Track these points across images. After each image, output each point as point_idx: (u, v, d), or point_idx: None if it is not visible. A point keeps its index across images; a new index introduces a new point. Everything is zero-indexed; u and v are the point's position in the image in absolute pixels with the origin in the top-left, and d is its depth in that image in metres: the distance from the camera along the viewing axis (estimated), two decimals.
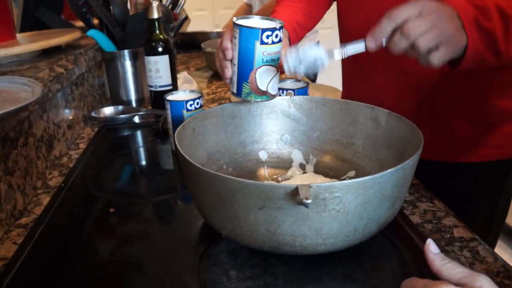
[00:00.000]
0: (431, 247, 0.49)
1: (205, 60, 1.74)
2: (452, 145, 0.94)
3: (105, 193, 0.88)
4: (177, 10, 1.79)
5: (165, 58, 1.16)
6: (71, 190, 0.88)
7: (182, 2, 1.84)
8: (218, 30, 2.27)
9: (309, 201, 0.47)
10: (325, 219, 0.53)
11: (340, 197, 0.51)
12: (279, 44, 0.71)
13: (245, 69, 0.72)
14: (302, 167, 0.83)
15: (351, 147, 0.81)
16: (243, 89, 0.73)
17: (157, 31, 1.16)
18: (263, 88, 0.73)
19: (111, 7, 1.25)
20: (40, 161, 0.91)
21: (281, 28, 0.70)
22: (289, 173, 0.82)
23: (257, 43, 0.69)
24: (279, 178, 0.81)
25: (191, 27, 2.56)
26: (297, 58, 0.67)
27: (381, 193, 0.54)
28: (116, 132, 1.19)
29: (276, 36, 0.69)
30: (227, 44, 0.72)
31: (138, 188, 0.93)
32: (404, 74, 0.91)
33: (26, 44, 1.09)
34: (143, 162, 1.06)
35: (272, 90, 0.75)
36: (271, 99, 0.77)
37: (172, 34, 1.77)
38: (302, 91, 0.94)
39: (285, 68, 0.68)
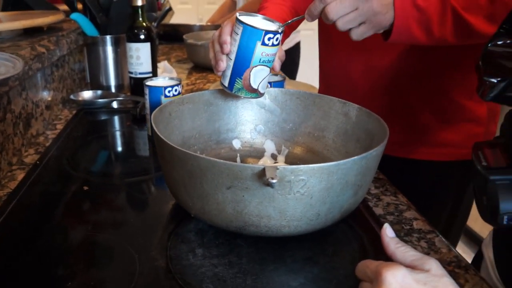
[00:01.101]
0: (387, 231, 0.52)
1: (186, 52, 1.76)
2: (419, 142, 0.98)
3: (79, 172, 0.89)
4: (161, 0, 1.81)
5: (147, 45, 1.18)
6: (46, 168, 0.89)
7: None
8: (201, 23, 2.28)
9: (274, 181, 0.50)
10: (289, 201, 0.55)
11: (304, 180, 0.54)
12: (277, 47, 0.73)
13: (241, 66, 0.73)
14: (274, 157, 0.86)
15: (322, 140, 0.84)
16: (235, 84, 0.75)
17: (140, 19, 1.17)
18: (255, 86, 0.75)
19: None
20: (16, 137, 0.92)
21: (282, 32, 0.72)
22: (261, 162, 0.85)
23: (259, 43, 0.70)
24: None
25: (174, 20, 2.57)
26: None
27: (344, 179, 0.57)
28: (94, 116, 1.20)
29: (277, 39, 0.72)
30: (227, 38, 0.73)
31: (112, 170, 0.94)
32: (375, 68, 0.96)
33: (8, 22, 1.10)
34: (119, 146, 1.08)
35: (262, 89, 0.77)
36: (259, 97, 0.79)
37: (155, 24, 1.78)
38: (278, 85, 0.97)
39: None
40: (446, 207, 1.02)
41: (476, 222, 2.11)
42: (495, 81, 0.53)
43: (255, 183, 0.54)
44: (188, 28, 2.10)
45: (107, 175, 0.91)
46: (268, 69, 0.75)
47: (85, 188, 0.81)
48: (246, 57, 0.72)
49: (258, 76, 0.74)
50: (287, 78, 1.56)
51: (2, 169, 0.85)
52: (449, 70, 0.92)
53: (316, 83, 1.49)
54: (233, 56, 0.73)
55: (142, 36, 1.18)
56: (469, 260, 0.66)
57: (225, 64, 0.75)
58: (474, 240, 2.21)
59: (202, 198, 0.59)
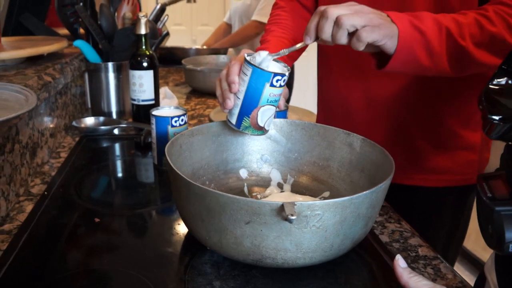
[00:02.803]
0: (400, 262, 0.55)
1: (184, 76, 1.78)
2: (415, 169, 1.01)
3: (88, 203, 0.90)
4: (160, 26, 1.83)
5: (150, 73, 1.20)
6: (54, 199, 0.90)
7: (165, 18, 1.88)
8: (197, 46, 2.32)
9: (294, 217, 0.52)
10: (305, 235, 0.58)
11: (320, 214, 0.56)
12: (283, 88, 0.76)
13: (249, 105, 0.76)
14: (280, 186, 0.88)
15: (327, 169, 0.86)
16: (243, 123, 0.78)
17: (144, 46, 1.20)
18: (261, 124, 0.78)
19: (98, 19, 1.28)
20: (24, 168, 0.93)
21: (289, 75, 0.76)
22: (268, 191, 0.87)
23: (267, 84, 0.73)
24: (258, 196, 0.86)
25: (169, 42, 2.60)
26: None
27: (356, 212, 0.59)
28: (97, 143, 1.22)
29: (284, 81, 0.75)
30: (235, 78, 0.75)
31: (121, 200, 0.95)
32: (373, 97, 0.99)
33: (11, 49, 1.11)
34: (126, 175, 1.09)
35: (268, 127, 0.80)
36: (265, 134, 0.81)
37: (153, 49, 1.81)
38: (282, 114, 1.00)
39: None
40: (443, 228, 1.05)
41: (467, 241, 2.16)
42: (498, 119, 0.56)
43: (273, 218, 0.56)
44: (184, 52, 2.13)
45: (116, 206, 0.92)
46: (274, 108, 0.78)
47: (97, 220, 0.82)
48: (255, 97, 0.75)
49: (265, 115, 0.77)
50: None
51: (10, 201, 0.85)
52: (445, 100, 0.96)
53: (309, 105, 1.53)
54: (241, 96, 0.76)
55: (145, 64, 1.20)
56: (470, 282, 0.68)
57: (233, 103, 0.77)
58: (466, 257, 2.25)
59: (219, 232, 0.61)
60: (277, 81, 0.73)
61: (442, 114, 0.97)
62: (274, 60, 0.78)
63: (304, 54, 1.10)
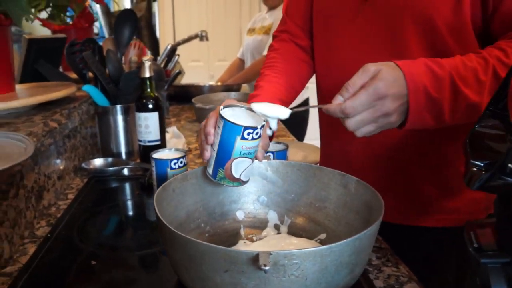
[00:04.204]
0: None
1: (195, 114, 1.81)
2: (422, 210, 0.99)
3: (89, 245, 0.91)
4: (170, 66, 1.88)
5: (155, 115, 1.23)
6: (56, 241, 0.91)
7: (176, 58, 1.94)
8: (211, 83, 2.35)
9: (267, 268, 0.52)
10: (284, 283, 0.57)
11: (298, 263, 0.56)
12: (258, 140, 0.76)
13: (223, 157, 0.77)
14: (276, 227, 0.88)
15: (323, 210, 0.86)
16: (218, 174, 0.78)
17: (148, 89, 1.23)
18: (236, 175, 0.78)
19: (106, 64, 1.33)
20: (29, 211, 0.95)
21: (262, 126, 0.75)
22: (264, 233, 0.87)
23: (238, 137, 0.74)
24: (254, 238, 0.85)
25: (187, 77, 2.66)
26: None
27: (338, 260, 0.58)
28: (105, 183, 1.24)
29: (257, 133, 0.75)
30: (210, 130, 0.78)
31: (121, 242, 0.96)
32: (377, 142, 0.97)
33: (24, 97, 1.15)
34: (128, 216, 1.11)
35: (245, 178, 0.80)
36: (242, 185, 0.82)
37: (166, 87, 1.85)
38: (281, 154, 1.00)
39: None
40: (451, 272, 1.02)
41: None
42: (482, 165, 0.54)
43: (250, 267, 0.56)
44: (198, 89, 2.17)
45: (116, 248, 0.93)
46: (249, 160, 0.78)
47: (93, 262, 0.83)
48: (227, 150, 0.76)
49: (240, 166, 0.77)
50: (295, 140, 1.60)
51: (14, 244, 0.88)
52: (454, 142, 0.93)
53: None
54: (216, 148, 0.77)
55: (150, 106, 1.23)
56: None
57: (209, 154, 0.79)
58: None
59: (202, 280, 0.61)
60: (248, 134, 0.74)
61: (451, 156, 0.94)
62: (249, 109, 0.78)
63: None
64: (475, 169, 0.53)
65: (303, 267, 0.56)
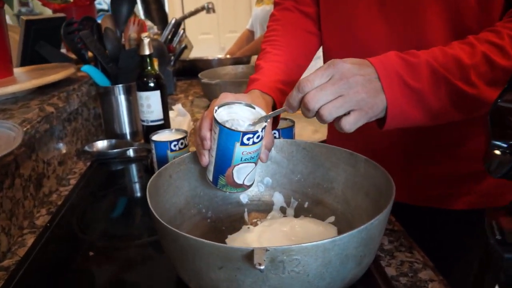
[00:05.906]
0: None
1: (202, 90, 1.76)
2: (441, 190, 0.92)
3: (89, 234, 0.88)
4: (176, 41, 1.82)
5: (157, 93, 1.18)
6: (56, 231, 0.88)
7: (181, 33, 1.87)
8: (220, 56, 2.29)
9: (262, 267, 0.47)
10: (285, 280, 0.52)
11: (298, 259, 0.51)
12: (259, 143, 0.69)
13: (222, 164, 0.69)
14: (282, 210, 0.83)
15: (331, 191, 0.80)
16: (219, 181, 0.71)
17: (149, 67, 1.17)
18: (239, 182, 0.71)
19: (104, 43, 1.27)
20: (27, 200, 0.92)
21: (263, 128, 0.68)
22: (269, 217, 0.82)
23: (237, 144, 0.66)
24: (258, 222, 0.81)
25: (196, 50, 2.59)
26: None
27: (343, 254, 0.53)
28: (108, 166, 1.20)
29: (258, 137, 0.67)
30: (206, 134, 0.69)
31: (123, 229, 0.92)
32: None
33: (22, 81, 1.11)
34: (131, 202, 1.06)
35: (248, 182, 0.73)
36: (247, 189, 0.75)
37: (172, 63, 1.80)
38: (288, 131, 0.94)
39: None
40: (468, 257, 0.95)
41: None
42: (506, 147, 0.47)
43: (246, 264, 0.51)
44: (206, 63, 2.11)
45: (117, 237, 0.89)
46: (252, 164, 0.71)
47: (91, 253, 0.80)
48: (227, 157, 0.68)
49: (242, 172, 0.70)
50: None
51: (12, 235, 0.85)
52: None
53: None
54: (214, 154, 0.69)
55: (151, 84, 1.17)
56: None
57: (207, 159, 0.71)
58: None
59: (196, 275, 0.57)
60: (248, 139, 0.66)
61: (465, 132, 0.86)
62: (247, 105, 0.71)
63: None
64: (497, 152, 0.46)
65: (304, 262, 0.51)
